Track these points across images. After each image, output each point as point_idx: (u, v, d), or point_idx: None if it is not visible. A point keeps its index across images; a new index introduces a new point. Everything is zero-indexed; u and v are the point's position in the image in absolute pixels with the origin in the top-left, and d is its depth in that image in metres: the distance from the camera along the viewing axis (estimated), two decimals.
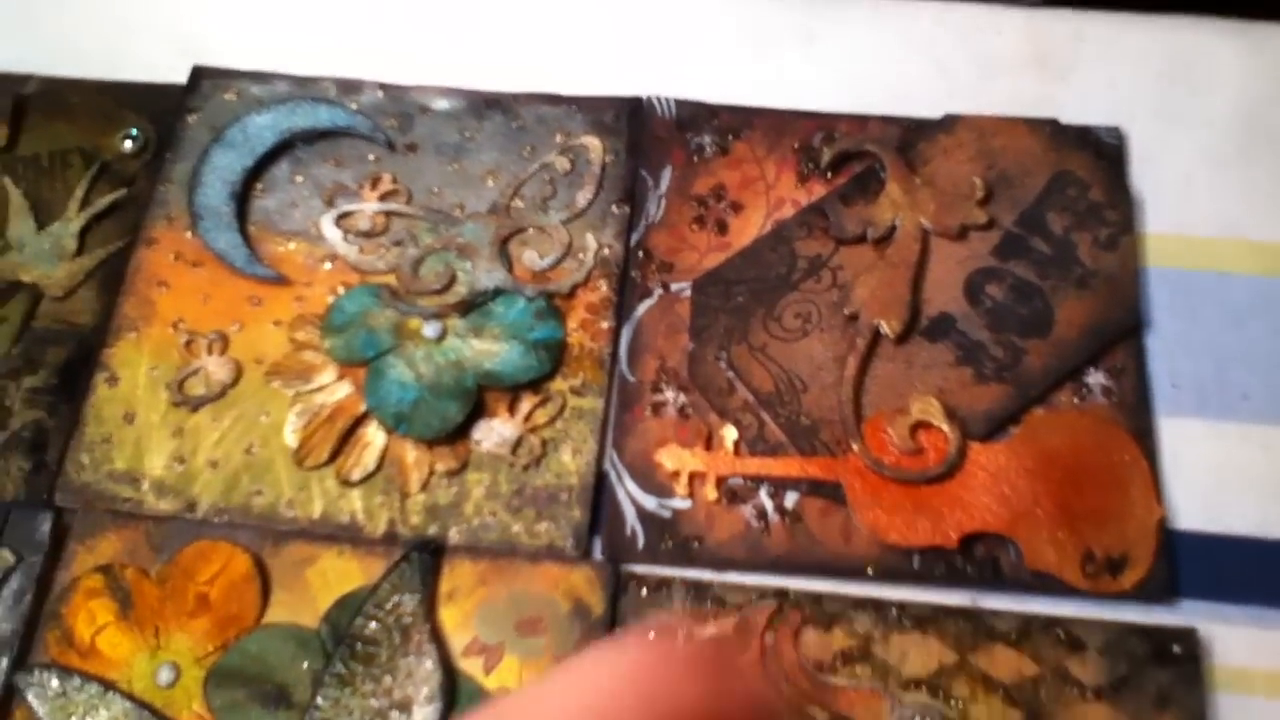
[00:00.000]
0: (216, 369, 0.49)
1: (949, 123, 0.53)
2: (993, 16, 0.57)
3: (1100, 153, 0.53)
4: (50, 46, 0.58)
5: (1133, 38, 0.56)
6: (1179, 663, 0.42)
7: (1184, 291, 0.50)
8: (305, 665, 0.42)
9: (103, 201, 0.53)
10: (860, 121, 0.54)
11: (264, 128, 0.54)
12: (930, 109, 0.54)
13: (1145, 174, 0.53)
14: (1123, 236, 0.51)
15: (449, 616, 0.44)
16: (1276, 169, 0.53)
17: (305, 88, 0.55)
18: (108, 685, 0.42)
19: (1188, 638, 0.43)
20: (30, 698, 0.42)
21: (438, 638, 0.43)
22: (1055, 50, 0.56)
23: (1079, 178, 0.52)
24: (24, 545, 0.45)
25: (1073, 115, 0.53)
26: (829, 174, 0.53)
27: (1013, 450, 0.46)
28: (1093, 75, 0.55)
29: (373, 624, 0.43)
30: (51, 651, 0.43)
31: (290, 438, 0.47)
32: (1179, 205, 0.52)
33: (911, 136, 0.53)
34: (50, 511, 0.46)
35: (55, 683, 0.42)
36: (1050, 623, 0.43)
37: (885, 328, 0.48)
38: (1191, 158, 0.54)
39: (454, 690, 0.42)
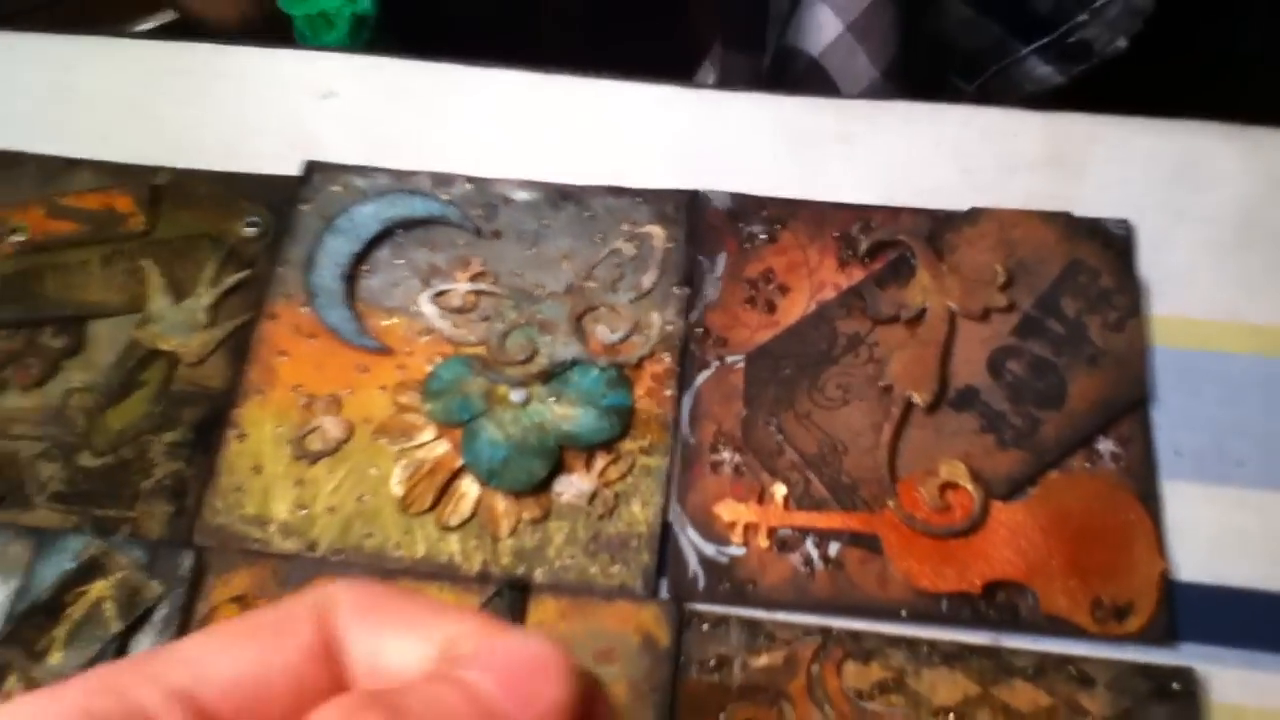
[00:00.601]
0: (331, 428, 0.56)
1: (973, 215, 0.60)
2: (1013, 120, 0.64)
3: (1110, 243, 0.59)
4: (177, 142, 0.66)
5: (1141, 140, 0.63)
6: (1178, 699, 0.48)
7: (1186, 369, 0.56)
8: None
9: (229, 280, 0.61)
10: (893, 213, 0.61)
11: (368, 216, 0.62)
12: (956, 203, 0.60)
13: (1152, 262, 0.59)
14: (1130, 319, 0.57)
15: None
16: (1271, 259, 0.60)
17: (403, 180, 0.63)
18: None
19: (1186, 676, 0.48)
20: None
21: None
22: (1070, 150, 0.63)
23: (1090, 266, 0.58)
24: (169, 578, 0.52)
25: (1086, 209, 0.60)
26: (866, 260, 0.59)
27: (1030, 509, 0.52)
28: (1105, 173, 0.62)
29: None
30: None
31: (396, 488, 0.54)
32: (1182, 291, 0.58)
33: (939, 227, 0.60)
34: (191, 550, 0.53)
35: None
36: (1063, 661, 0.49)
37: (916, 398, 0.55)
38: (1194, 248, 0.60)
39: None
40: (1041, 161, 0.63)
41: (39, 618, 0.51)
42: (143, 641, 0.51)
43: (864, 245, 0.59)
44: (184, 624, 0.51)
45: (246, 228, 0.62)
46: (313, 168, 0.64)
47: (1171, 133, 0.63)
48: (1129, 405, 0.55)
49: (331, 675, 0.25)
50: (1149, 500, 0.52)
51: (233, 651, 0.24)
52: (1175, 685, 0.48)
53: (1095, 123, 0.63)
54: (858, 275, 0.59)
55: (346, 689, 0.25)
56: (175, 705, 0.23)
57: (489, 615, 0.27)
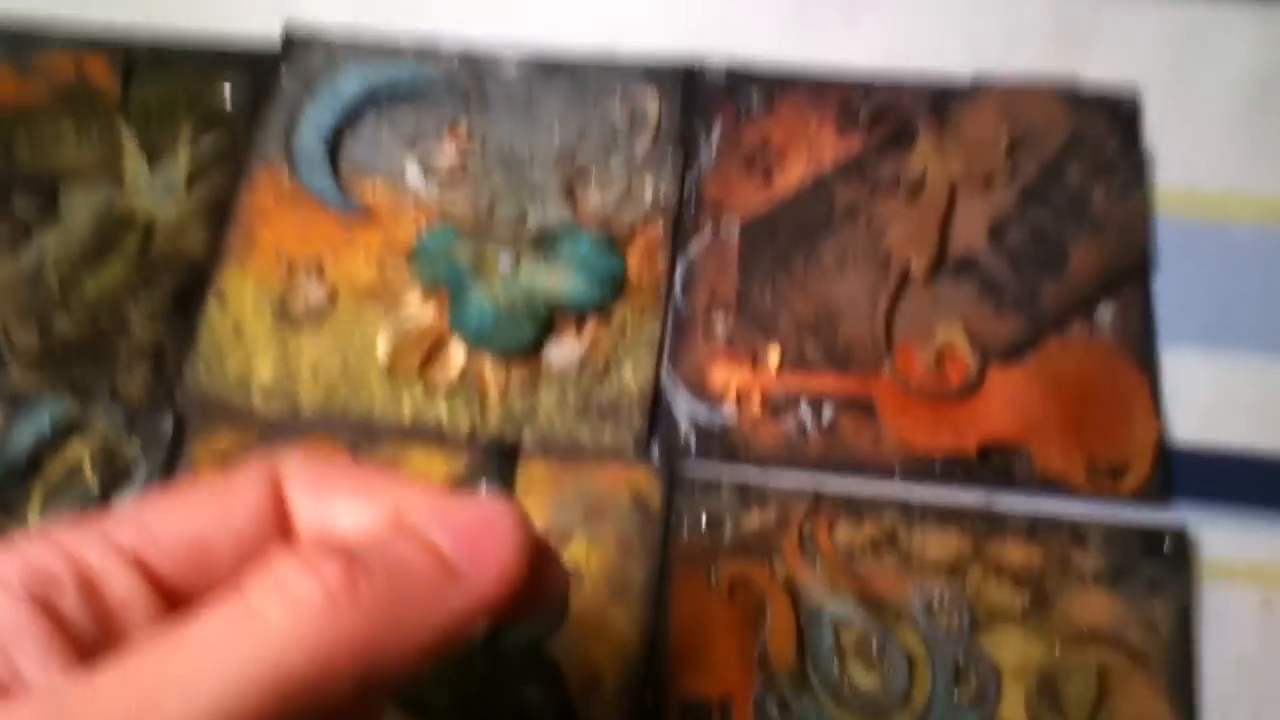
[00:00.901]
0: (315, 292, 0.55)
1: (977, 85, 0.58)
2: None
3: (1116, 113, 0.58)
4: (153, 6, 0.64)
5: (1150, 9, 0.61)
6: (1170, 556, 0.47)
7: (1189, 239, 0.55)
8: None
9: (207, 147, 0.59)
10: (896, 83, 0.59)
11: (351, 82, 0.60)
12: (958, 74, 0.59)
13: (1158, 133, 0.58)
14: (1134, 189, 0.56)
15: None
16: (1278, 131, 0.58)
17: (387, 45, 0.61)
18: None
19: (1178, 535, 0.48)
20: None
21: None
22: (1077, 20, 0.61)
23: (1095, 136, 0.57)
24: (149, 441, 0.51)
25: (1092, 80, 0.58)
26: (866, 129, 0.58)
27: (1027, 373, 0.51)
28: (1112, 43, 0.60)
29: None
30: None
31: (382, 353, 0.53)
32: (1188, 162, 0.57)
33: (942, 97, 0.58)
34: (171, 413, 0.52)
35: None
36: (1056, 520, 0.48)
37: (915, 266, 0.54)
38: (1201, 120, 0.59)
39: None
40: (1048, 32, 0.61)
41: (15, 479, 0.50)
42: (122, 502, 0.50)
43: (864, 114, 0.58)
44: (164, 486, 0.50)
45: (224, 94, 0.60)
46: (293, 32, 0.62)
47: (1181, 2, 0.61)
48: (1129, 273, 0.54)
49: (280, 539, 0.25)
50: (1147, 365, 0.52)
51: (181, 513, 0.25)
52: (1167, 543, 0.48)
53: None
54: (857, 145, 0.58)
55: (295, 540, 0.26)
56: (121, 563, 0.24)
57: (437, 482, 0.27)
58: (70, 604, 0.23)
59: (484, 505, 0.25)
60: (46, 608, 0.23)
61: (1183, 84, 0.59)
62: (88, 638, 0.23)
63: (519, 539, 0.24)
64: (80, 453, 0.51)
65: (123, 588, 0.24)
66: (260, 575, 0.22)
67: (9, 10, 0.63)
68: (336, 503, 0.25)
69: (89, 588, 0.23)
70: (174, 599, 0.24)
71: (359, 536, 0.24)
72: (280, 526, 0.25)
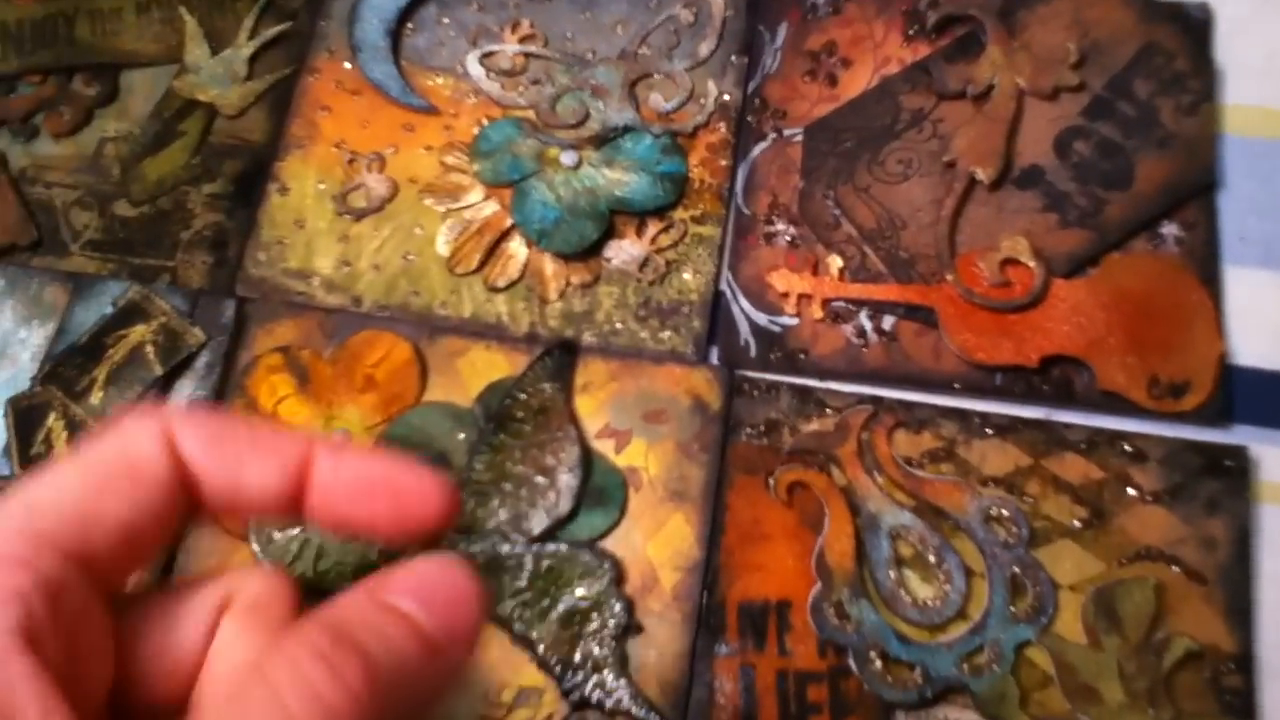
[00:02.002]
0: (376, 185, 0.54)
1: None
2: None
3: (1188, 27, 0.56)
4: None
5: None
6: (1229, 475, 0.48)
7: (1257, 157, 0.55)
8: (461, 437, 0.49)
9: (269, 33, 0.58)
10: None
11: None
12: None
13: (1230, 49, 0.57)
14: (1203, 104, 0.55)
15: (583, 405, 0.50)
16: None
17: None
18: None
19: (1238, 455, 0.48)
20: None
21: (575, 420, 0.49)
22: None
23: (1166, 48, 0.56)
24: (211, 327, 0.51)
25: None
26: (933, 36, 0.57)
27: (1091, 287, 0.51)
28: None
29: (519, 406, 0.49)
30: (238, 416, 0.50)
31: (443, 248, 0.53)
32: (1258, 80, 0.56)
33: (1012, 4, 0.57)
34: (233, 299, 0.52)
35: None
36: (1116, 436, 0.48)
37: (980, 175, 0.53)
38: (1272, 37, 0.57)
39: (589, 463, 0.48)
40: None
41: (79, 358, 0.51)
42: (184, 386, 0.51)
43: (932, 19, 0.57)
44: (226, 372, 0.51)
45: None
46: None
47: None
48: (1196, 190, 0.53)
49: (188, 502, 0.26)
50: (1211, 283, 0.51)
51: (106, 500, 0.24)
52: (1228, 462, 0.48)
53: None
54: (923, 51, 0.57)
55: (201, 513, 0.26)
56: (73, 569, 0.24)
57: (334, 439, 0.28)
58: (45, 627, 0.22)
59: (449, 571, 0.26)
60: (33, 641, 0.22)
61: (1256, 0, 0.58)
62: (58, 657, 0.22)
63: (479, 605, 0.26)
64: (143, 334, 0.51)
65: (78, 597, 0.24)
66: (293, 681, 0.22)
67: None
68: (242, 463, 0.26)
69: (55, 603, 0.23)
70: (106, 585, 0.25)
71: (267, 495, 0.26)
72: (186, 488, 0.26)
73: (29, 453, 0.49)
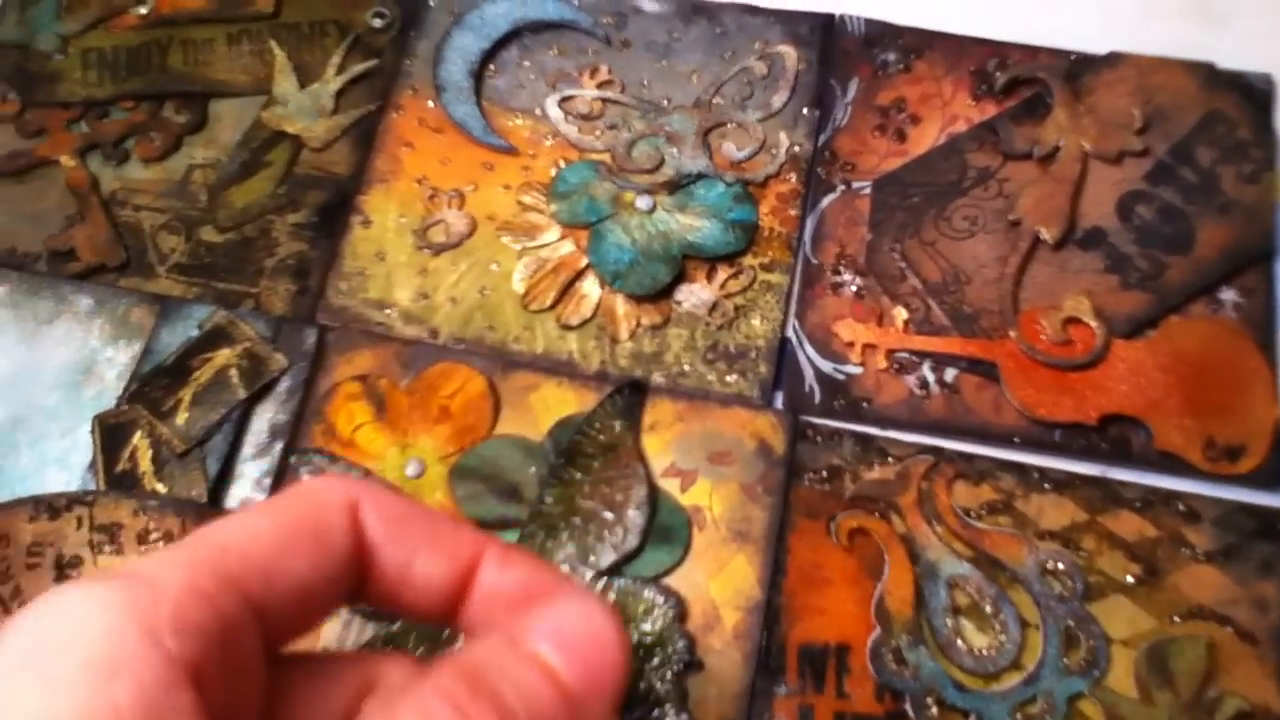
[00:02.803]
0: (455, 221, 0.56)
1: (1113, 59, 0.59)
2: None
3: (1250, 95, 0.58)
4: None
5: None
6: None
7: None
8: (532, 470, 0.50)
9: (356, 69, 0.60)
10: (1032, 51, 0.59)
11: (498, 15, 0.61)
12: (1095, 46, 0.59)
13: None
14: (1265, 172, 0.56)
15: (650, 444, 0.51)
16: None
17: None
18: (367, 471, 0.50)
19: None
20: (304, 475, 0.50)
21: (643, 458, 0.50)
22: (1214, 0, 0.61)
23: (1229, 117, 0.57)
24: (293, 353, 0.53)
25: (1227, 60, 0.59)
26: (1001, 96, 0.58)
27: (1150, 348, 0.52)
28: (1249, 24, 0.60)
29: (589, 442, 0.50)
30: (317, 441, 0.51)
31: (518, 284, 0.55)
32: None
33: (1078, 68, 0.58)
34: (315, 327, 0.54)
35: (325, 464, 0.50)
36: (1171, 495, 0.49)
37: (1045, 234, 0.54)
38: None
39: (655, 501, 0.49)
40: (1185, 8, 0.61)
41: (165, 379, 0.53)
42: (266, 410, 0.52)
43: (1000, 80, 0.58)
44: (306, 398, 0.52)
45: (374, 18, 0.62)
46: None
47: None
48: (1255, 256, 0.54)
49: (359, 576, 0.26)
50: (1268, 349, 0.52)
51: (291, 556, 0.25)
52: None
53: None
54: (991, 110, 0.58)
55: (365, 591, 0.26)
56: (250, 614, 0.24)
57: (504, 542, 0.28)
58: (214, 669, 0.22)
59: (594, 617, 0.25)
60: (199, 679, 0.22)
61: None
62: (217, 701, 0.22)
63: (623, 652, 0.25)
64: (228, 358, 0.53)
65: (249, 646, 0.23)
66: None
67: None
68: (417, 550, 0.26)
69: (227, 647, 0.23)
70: (272, 641, 0.25)
71: (431, 587, 0.26)
72: (360, 562, 0.26)
73: (114, 469, 0.51)
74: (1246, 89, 0.58)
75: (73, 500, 0.49)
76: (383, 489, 0.26)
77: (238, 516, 0.25)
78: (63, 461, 0.52)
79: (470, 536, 0.27)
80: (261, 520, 0.25)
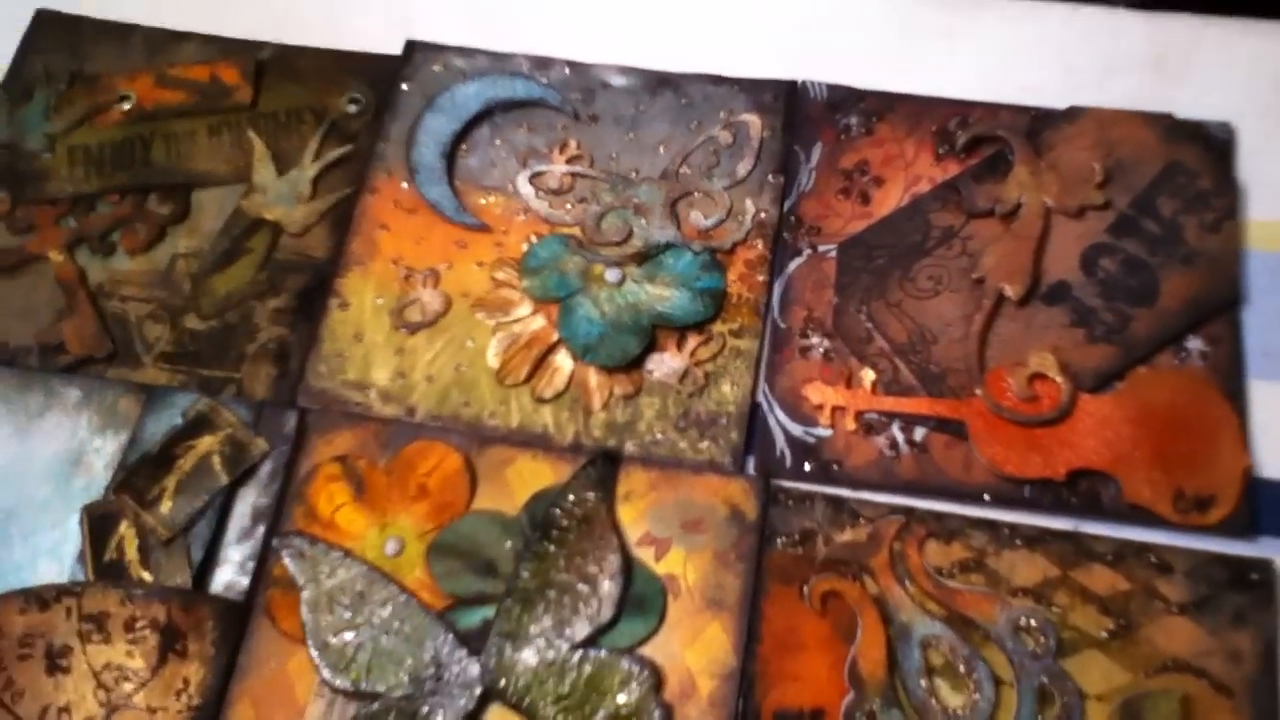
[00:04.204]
0: (430, 300, 0.57)
1: (1073, 114, 0.60)
2: (1116, 19, 0.63)
3: (1210, 145, 0.59)
4: (282, 17, 0.67)
5: (1246, 41, 0.62)
6: (1255, 588, 0.49)
7: None
8: (508, 545, 0.51)
9: (332, 154, 0.62)
10: (992, 109, 0.61)
11: (469, 96, 0.62)
12: (1056, 102, 0.60)
13: (1253, 167, 0.58)
14: (1227, 221, 0.57)
15: (625, 513, 0.52)
16: None
17: (503, 62, 0.64)
18: (347, 552, 0.51)
19: (1264, 568, 0.49)
20: (286, 558, 0.51)
21: (617, 529, 0.51)
22: (1173, 51, 0.62)
23: (1189, 167, 0.58)
24: (274, 436, 0.54)
25: (1187, 111, 0.59)
26: (962, 155, 0.59)
27: (1117, 401, 0.53)
28: (1207, 75, 0.61)
29: (564, 514, 0.51)
30: (299, 523, 0.52)
31: (492, 360, 0.56)
32: None
33: (1038, 125, 0.59)
34: (295, 410, 0.55)
35: (306, 547, 0.51)
36: (1142, 548, 0.50)
37: (1009, 291, 0.55)
38: None
39: (630, 571, 0.50)
40: (1143, 62, 0.62)
41: (150, 468, 0.54)
42: (249, 494, 0.54)
43: (961, 139, 0.59)
44: (287, 480, 0.53)
45: (349, 104, 0.63)
46: (414, 46, 0.65)
47: (1276, 36, 0.62)
48: (1220, 306, 0.55)
49: None
50: (1235, 398, 0.53)
51: None
52: (1254, 575, 0.49)
53: (1199, 24, 0.63)
54: (953, 169, 0.59)
55: None
56: None
57: None
58: None
59: None
60: None
61: (1275, 118, 0.60)
62: None
63: None
64: (210, 445, 0.54)
65: None
66: None
67: (150, 20, 0.66)
68: None
69: None
70: None
71: None
72: None
73: (102, 559, 0.52)
74: (1206, 138, 0.59)
75: (61, 591, 0.50)
76: None
77: None
78: (54, 552, 0.53)
79: None
80: None
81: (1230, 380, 0.53)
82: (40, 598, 0.50)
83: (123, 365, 0.58)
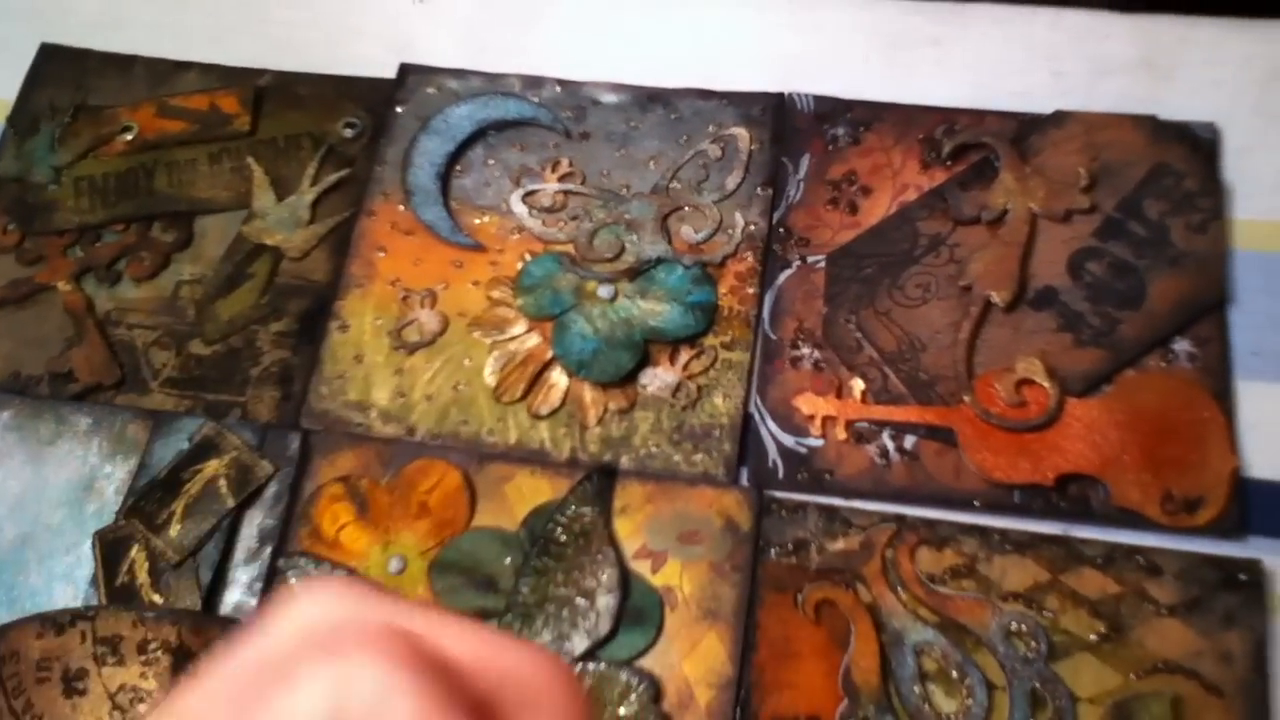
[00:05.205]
0: (428, 320, 0.59)
1: (1059, 118, 0.60)
2: (1103, 22, 0.63)
3: (1196, 146, 0.59)
4: (280, 45, 0.68)
5: (1233, 43, 0.62)
6: (1245, 589, 0.49)
7: (1267, 272, 0.57)
8: (508, 560, 0.52)
9: (329, 179, 0.63)
10: (978, 116, 0.61)
11: (462, 118, 0.64)
12: (1045, 106, 0.61)
13: (1238, 167, 0.59)
14: (1213, 222, 0.57)
15: (622, 527, 0.53)
16: None
17: (495, 83, 0.65)
18: (350, 571, 0.52)
19: (1253, 568, 0.50)
20: (292, 579, 0.52)
21: (614, 542, 0.52)
22: (1160, 54, 0.62)
23: (1176, 169, 0.58)
24: (278, 459, 0.56)
25: (1174, 113, 0.60)
26: (949, 163, 0.60)
27: (1105, 405, 0.53)
28: (1194, 77, 0.62)
29: (561, 529, 0.52)
30: (304, 544, 0.54)
31: (489, 378, 0.57)
32: (1267, 195, 0.58)
33: (1024, 130, 0.60)
34: (299, 432, 0.56)
35: (311, 568, 0.52)
36: (1132, 551, 0.50)
37: (996, 298, 0.56)
38: None
39: (627, 584, 0.51)
40: (1131, 65, 0.62)
41: (158, 493, 0.55)
42: (255, 516, 0.55)
43: (947, 147, 0.60)
44: (292, 501, 0.55)
45: (345, 128, 0.65)
46: (408, 70, 0.66)
47: (1264, 36, 0.62)
48: (1208, 306, 0.55)
49: None
50: (1224, 398, 0.53)
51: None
52: (1243, 576, 0.49)
53: (1186, 25, 0.63)
54: (940, 177, 0.60)
55: None
56: None
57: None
58: None
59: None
60: None
61: (1263, 117, 0.60)
62: None
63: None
64: (216, 468, 0.56)
65: None
66: None
67: (149, 50, 0.68)
68: None
69: None
70: None
71: None
72: None
73: (115, 583, 0.53)
74: (1192, 139, 0.59)
75: (76, 616, 0.52)
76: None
77: None
78: (68, 576, 0.55)
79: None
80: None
81: (1218, 381, 0.54)
82: (56, 622, 0.52)
83: (131, 391, 0.59)
